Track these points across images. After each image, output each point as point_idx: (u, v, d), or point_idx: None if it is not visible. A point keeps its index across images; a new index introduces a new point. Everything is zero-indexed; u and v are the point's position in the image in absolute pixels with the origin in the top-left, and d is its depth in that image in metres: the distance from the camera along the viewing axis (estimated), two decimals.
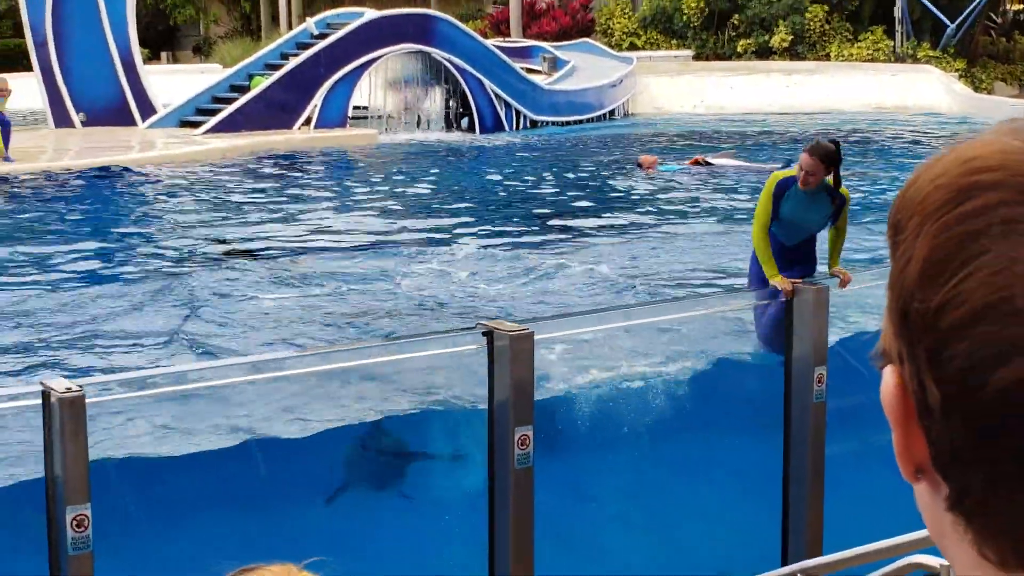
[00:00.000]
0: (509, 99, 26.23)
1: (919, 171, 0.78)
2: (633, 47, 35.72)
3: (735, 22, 35.51)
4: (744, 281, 8.55)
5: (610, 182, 19.37)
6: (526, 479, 5.48)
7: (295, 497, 7.15)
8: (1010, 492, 0.71)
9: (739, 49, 35.27)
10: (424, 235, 14.81)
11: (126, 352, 9.57)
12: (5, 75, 20.53)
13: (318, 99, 24.01)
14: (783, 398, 6.57)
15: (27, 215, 16.34)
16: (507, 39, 33.90)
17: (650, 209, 16.83)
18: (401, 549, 6.90)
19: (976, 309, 0.71)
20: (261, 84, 23.88)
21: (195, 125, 23.52)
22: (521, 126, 26.48)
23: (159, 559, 6.53)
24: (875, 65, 33.05)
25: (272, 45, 26.53)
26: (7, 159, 19.25)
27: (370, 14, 25.40)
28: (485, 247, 13.90)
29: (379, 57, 24.66)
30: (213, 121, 23.25)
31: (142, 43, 25.86)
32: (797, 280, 6.87)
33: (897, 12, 33.91)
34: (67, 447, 4.60)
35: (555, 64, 30.25)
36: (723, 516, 7.29)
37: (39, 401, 4.69)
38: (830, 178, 7.43)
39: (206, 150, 21.47)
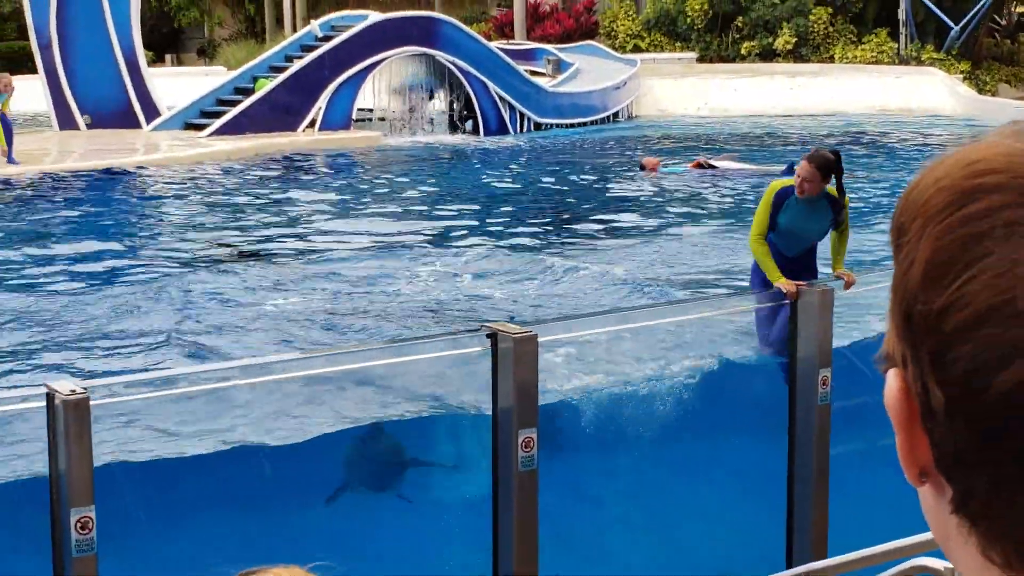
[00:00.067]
0: (513, 102, 26.23)
1: (922, 173, 0.78)
2: (637, 49, 35.71)
3: (739, 24, 35.50)
4: (746, 285, 8.55)
5: (613, 184, 19.37)
6: (530, 481, 5.48)
7: (296, 500, 7.15)
8: (1013, 494, 0.71)
9: (743, 51, 35.26)
10: (428, 237, 14.82)
11: (130, 354, 9.57)
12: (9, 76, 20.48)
13: (322, 101, 24.03)
14: (787, 401, 6.57)
15: (31, 217, 16.35)
16: (511, 42, 33.91)
17: (653, 211, 16.83)
18: (404, 552, 6.89)
19: (979, 311, 0.71)
20: (265, 87, 23.89)
21: (199, 128, 23.53)
22: (525, 129, 26.48)
23: (160, 561, 6.53)
24: (879, 67, 33.03)
25: (276, 48, 26.54)
26: (11, 161, 19.25)
27: (374, 17, 25.41)
28: (489, 249, 13.91)
29: (383, 60, 24.67)
30: (217, 124, 23.27)
31: (146, 46, 25.90)
32: (801, 282, 6.87)
33: (901, 14, 33.89)
34: (71, 449, 4.60)
35: (559, 66, 30.24)
36: (728, 518, 7.29)
37: (43, 403, 4.69)
38: (832, 188, 7.41)
39: (210, 152, 21.48)
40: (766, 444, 6.98)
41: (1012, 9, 37.38)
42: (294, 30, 35.76)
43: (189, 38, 44.61)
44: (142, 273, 12.72)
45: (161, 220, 16.52)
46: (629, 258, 13.30)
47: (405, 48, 24.84)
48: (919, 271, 0.74)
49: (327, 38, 24.91)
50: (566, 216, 16.49)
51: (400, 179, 20.34)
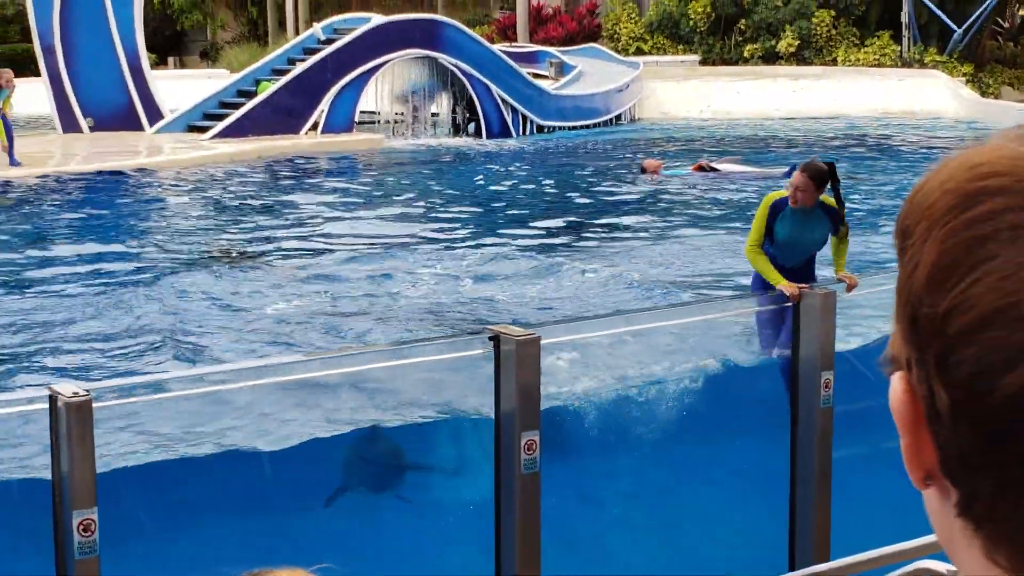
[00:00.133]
0: (516, 104, 26.24)
1: (927, 176, 0.78)
2: (640, 52, 35.71)
3: (742, 27, 35.50)
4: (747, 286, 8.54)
5: (615, 187, 19.37)
6: (532, 484, 5.48)
7: (298, 503, 7.15)
8: (1018, 497, 0.71)
9: (746, 54, 35.26)
10: (430, 240, 14.82)
11: (132, 356, 9.58)
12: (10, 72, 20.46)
13: (325, 104, 24.04)
14: (790, 403, 6.57)
15: (34, 219, 16.36)
16: (514, 44, 33.92)
17: (655, 214, 16.83)
18: (407, 555, 6.89)
19: (985, 314, 0.71)
20: (268, 89, 23.91)
21: (202, 130, 23.55)
22: (528, 131, 26.48)
23: (162, 562, 6.53)
24: (882, 70, 33.02)
25: (279, 50, 26.56)
26: (13, 162, 19.26)
27: (377, 19, 25.42)
28: (491, 252, 13.91)
29: (386, 62, 24.68)
30: (220, 126, 23.28)
31: (149, 48, 25.90)
32: (804, 285, 6.87)
33: (904, 17, 33.90)
34: (74, 451, 4.60)
35: (561, 69, 30.25)
36: (730, 520, 7.29)
37: (46, 405, 4.70)
38: (830, 198, 7.43)
39: (213, 155, 21.50)
40: (769, 446, 6.98)
41: (1015, 12, 37.38)
42: (297, 33, 35.79)
43: (192, 41, 44.64)
44: (144, 275, 12.72)
45: (163, 223, 16.53)
46: (631, 261, 13.30)
47: (408, 51, 24.85)
48: (924, 274, 0.74)
49: (330, 41, 24.92)
50: (568, 219, 16.50)
51: (402, 182, 20.35)
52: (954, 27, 33.23)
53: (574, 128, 27.41)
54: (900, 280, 0.77)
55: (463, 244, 14.49)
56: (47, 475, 4.78)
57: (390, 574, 6.55)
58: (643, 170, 20.03)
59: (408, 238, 14.92)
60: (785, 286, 6.90)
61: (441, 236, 15.12)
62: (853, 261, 7.92)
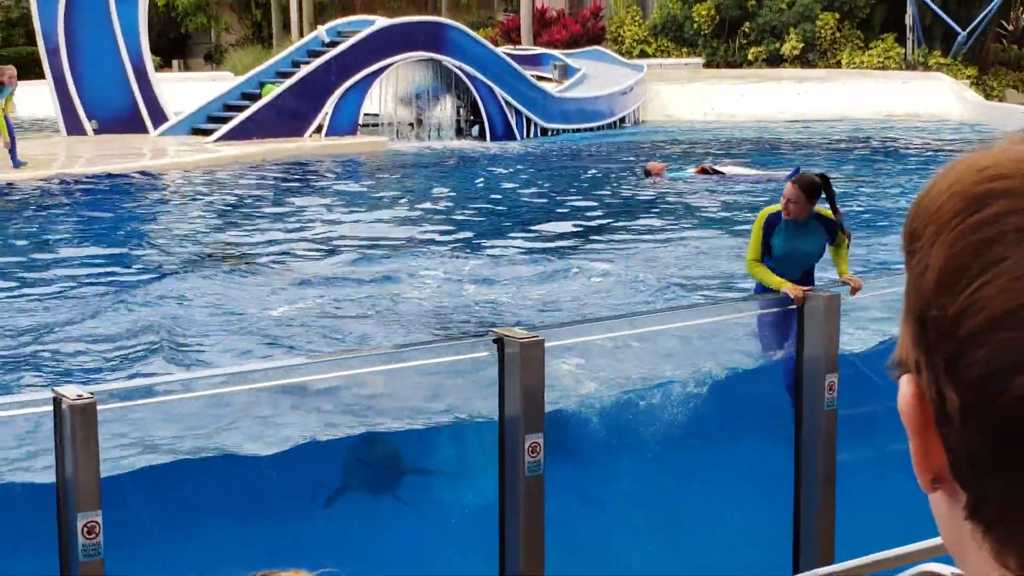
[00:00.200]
0: (520, 107, 26.24)
1: (934, 180, 0.78)
2: (644, 55, 35.72)
3: (746, 30, 35.50)
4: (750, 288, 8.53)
5: (619, 190, 19.37)
6: (536, 486, 5.48)
7: (299, 505, 7.15)
8: None
9: (750, 57, 35.26)
10: (434, 242, 14.83)
11: (135, 358, 9.58)
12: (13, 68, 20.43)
13: (329, 107, 24.05)
14: (793, 405, 6.57)
15: (38, 221, 16.38)
16: (518, 47, 33.92)
17: (658, 217, 16.82)
18: (410, 557, 6.89)
19: (995, 316, 0.71)
20: (272, 92, 23.92)
21: (207, 133, 23.56)
22: (532, 134, 26.48)
23: (165, 564, 6.53)
24: (886, 73, 33.00)
25: (283, 53, 26.58)
26: (16, 163, 19.28)
27: (381, 22, 25.43)
28: (495, 254, 13.91)
29: (390, 65, 24.69)
30: (225, 129, 23.30)
31: (154, 51, 25.91)
32: (807, 287, 6.87)
33: (908, 20, 33.89)
34: (78, 454, 4.61)
35: (565, 72, 30.25)
36: (735, 523, 7.28)
37: (51, 408, 4.70)
38: (825, 209, 7.43)
39: (217, 157, 21.51)
40: (772, 449, 6.97)
41: (1019, 14, 37.36)
42: (301, 35, 35.83)
43: (196, 43, 44.68)
44: (148, 277, 12.73)
45: (168, 225, 16.54)
46: (635, 263, 13.30)
47: (412, 53, 24.86)
48: (933, 277, 0.74)
49: (334, 43, 24.94)
50: (572, 222, 16.49)
51: (406, 184, 20.35)
52: (958, 29, 33.22)
53: (578, 131, 27.41)
54: (909, 283, 0.77)
55: (467, 246, 14.49)
56: (47, 477, 4.79)
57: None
58: (647, 173, 20.01)
59: (411, 241, 14.93)
60: (789, 288, 6.90)
61: (445, 238, 15.12)
62: (857, 264, 7.91)
